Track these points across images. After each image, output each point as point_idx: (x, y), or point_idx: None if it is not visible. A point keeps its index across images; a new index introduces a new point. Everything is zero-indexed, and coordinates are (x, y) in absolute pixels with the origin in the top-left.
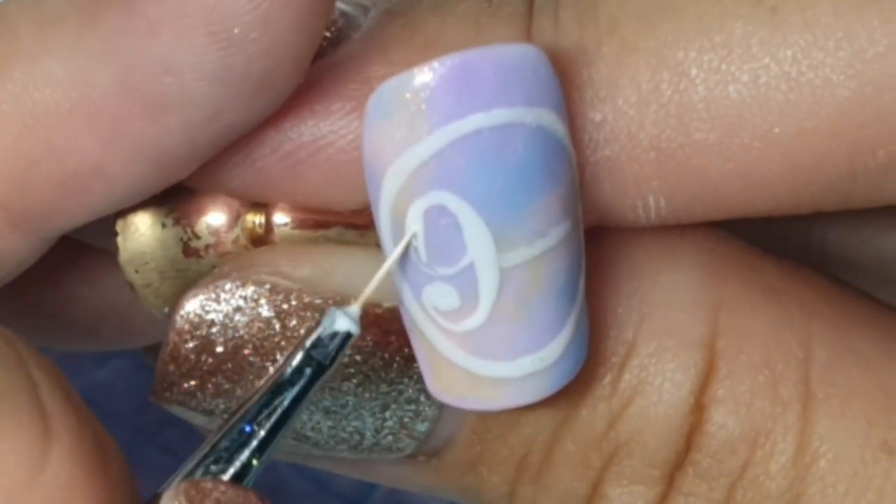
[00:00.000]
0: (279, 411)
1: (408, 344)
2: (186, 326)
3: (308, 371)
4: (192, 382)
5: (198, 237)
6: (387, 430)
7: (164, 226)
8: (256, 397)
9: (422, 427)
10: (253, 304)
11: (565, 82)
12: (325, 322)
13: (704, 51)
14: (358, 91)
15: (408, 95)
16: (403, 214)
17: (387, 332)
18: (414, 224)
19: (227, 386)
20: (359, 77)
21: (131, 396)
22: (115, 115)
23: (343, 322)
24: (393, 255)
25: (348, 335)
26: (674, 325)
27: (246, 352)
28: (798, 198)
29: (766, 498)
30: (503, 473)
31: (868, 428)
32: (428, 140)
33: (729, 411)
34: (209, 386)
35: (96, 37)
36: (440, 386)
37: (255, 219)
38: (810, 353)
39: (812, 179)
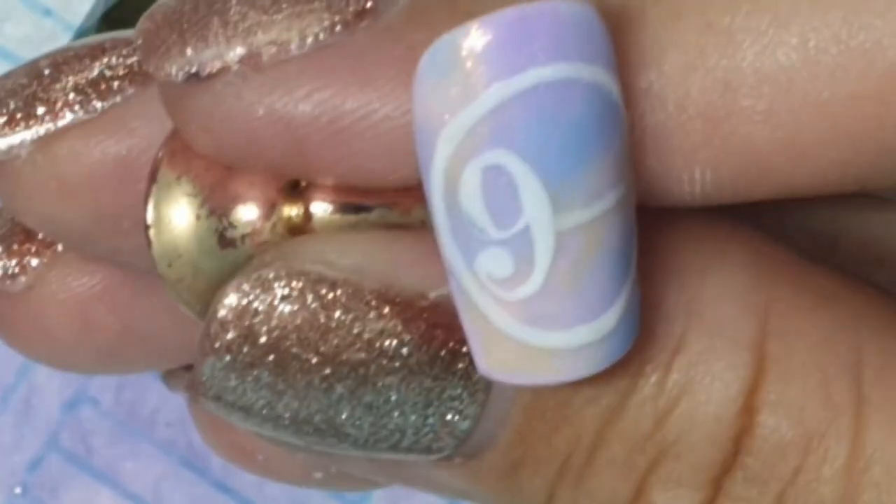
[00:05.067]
0: None
1: (453, 338)
2: (229, 316)
3: None
4: (233, 376)
5: (234, 226)
6: (428, 429)
7: (198, 217)
8: None
9: (463, 425)
10: (298, 294)
11: (614, 48)
12: None
13: (751, 14)
14: (402, 58)
15: (464, 51)
16: (458, 177)
17: (433, 325)
18: (470, 186)
19: (268, 379)
20: (402, 44)
21: None
22: None
23: None
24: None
25: None
26: (723, 324)
27: (289, 343)
28: (845, 171)
29: None
30: (544, 476)
31: None
32: (485, 96)
33: (781, 414)
34: (250, 379)
35: None
36: (491, 363)
37: (293, 210)
38: (862, 358)
39: (861, 149)
